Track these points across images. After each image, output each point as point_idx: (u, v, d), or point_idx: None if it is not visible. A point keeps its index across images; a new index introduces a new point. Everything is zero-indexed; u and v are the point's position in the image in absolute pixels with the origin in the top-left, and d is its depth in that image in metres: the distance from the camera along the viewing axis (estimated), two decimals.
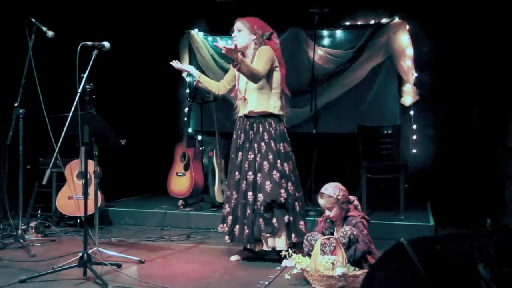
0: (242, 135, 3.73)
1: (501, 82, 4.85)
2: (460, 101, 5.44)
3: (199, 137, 6.40)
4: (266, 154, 3.63)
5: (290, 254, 3.37)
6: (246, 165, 3.67)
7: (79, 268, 3.21)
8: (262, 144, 3.65)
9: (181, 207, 5.33)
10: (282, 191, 3.58)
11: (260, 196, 3.58)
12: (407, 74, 5.56)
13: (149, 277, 3.24)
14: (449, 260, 1.50)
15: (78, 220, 4.84)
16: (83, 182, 3.38)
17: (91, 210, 3.69)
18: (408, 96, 5.57)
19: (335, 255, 3.18)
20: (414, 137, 5.63)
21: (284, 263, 3.57)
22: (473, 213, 5.01)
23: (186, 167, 5.45)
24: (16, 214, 4.35)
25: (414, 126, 5.63)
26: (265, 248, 3.64)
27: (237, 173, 3.70)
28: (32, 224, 4.49)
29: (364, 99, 5.81)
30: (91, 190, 3.99)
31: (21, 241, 4.12)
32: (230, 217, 3.70)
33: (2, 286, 3.06)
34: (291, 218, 3.61)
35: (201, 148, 6.04)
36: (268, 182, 3.58)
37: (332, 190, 3.40)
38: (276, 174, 3.60)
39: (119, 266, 3.48)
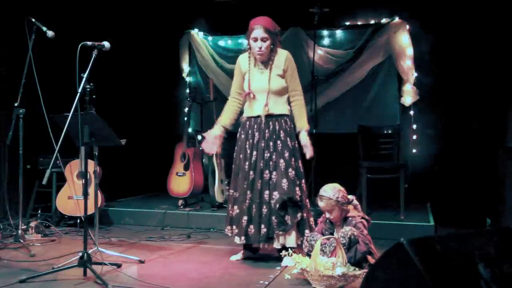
0: (257, 134, 3.69)
1: (500, 82, 4.85)
2: (459, 101, 5.44)
3: (199, 137, 6.40)
4: (282, 152, 3.63)
5: (290, 254, 3.37)
6: (262, 164, 3.63)
7: (79, 268, 3.21)
8: (278, 142, 3.65)
9: (181, 207, 5.33)
10: (297, 189, 3.60)
11: (276, 194, 3.57)
12: (407, 74, 5.57)
13: (149, 277, 3.24)
14: (449, 260, 1.50)
15: (78, 220, 4.84)
16: (83, 182, 3.38)
17: (91, 210, 3.69)
18: (408, 96, 5.58)
19: (335, 255, 3.18)
20: (414, 137, 5.64)
21: (284, 263, 3.57)
22: (473, 213, 5.01)
23: (186, 167, 5.45)
24: (16, 214, 4.34)
25: (414, 126, 5.64)
26: (275, 245, 3.60)
27: (251, 172, 3.65)
28: (32, 224, 4.49)
29: (364, 99, 5.82)
30: (91, 190, 3.99)
31: (21, 241, 4.12)
32: (245, 218, 3.63)
33: (2, 286, 3.05)
34: (304, 215, 3.62)
35: (201, 148, 6.04)
36: (284, 180, 3.57)
37: (331, 192, 3.40)
38: (291, 172, 3.60)
39: (119, 266, 3.48)
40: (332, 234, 3.47)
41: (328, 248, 3.32)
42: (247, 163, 3.69)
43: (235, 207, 3.71)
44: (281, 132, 3.67)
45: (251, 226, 3.63)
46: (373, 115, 5.75)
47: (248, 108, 3.78)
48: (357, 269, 3.06)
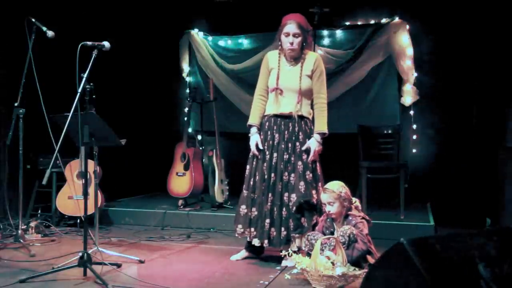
0: (277, 135, 3.65)
1: (500, 82, 4.85)
2: (459, 101, 5.44)
3: (199, 137, 6.40)
4: (301, 153, 3.61)
5: (290, 254, 3.37)
6: (282, 166, 3.61)
7: (79, 268, 3.21)
8: (297, 144, 3.62)
9: (181, 207, 5.33)
10: (314, 192, 3.58)
11: (293, 197, 3.55)
12: (407, 74, 5.57)
13: (149, 277, 3.24)
14: (449, 260, 1.50)
15: (78, 220, 4.84)
16: (83, 182, 3.38)
17: (91, 210, 3.69)
18: (408, 96, 5.58)
19: (334, 253, 3.18)
20: (414, 137, 5.64)
21: (284, 263, 3.56)
22: (473, 213, 5.01)
23: (186, 167, 5.45)
24: (16, 214, 4.35)
25: (414, 126, 5.64)
26: (291, 248, 3.57)
27: (272, 174, 3.61)
28: (32, 224, 4.49)
29: (364, 99, 5.81)
30: (91, 190, 4.00)
31: (21, 241, 4.12)
32: (267, 221, 3.59)
33: (2, 286, 3.06)
34: (318, 218, 3.61)
35: (201, 148, 6.04)
36: (302, 183, 3.55)
37: (335, 186, 3.45)
38: (309, 175, 3.59)
39: (119, 266, 3.48)
40: (332, 232, 3.48)
41: (327, 247, 3.32)
42: (265, 164, 3.65)
43: (253, 208, 3.66)
44: (300, 133, 3.64)
45: (272, 229, 3.60)
46: (373, 115, 5.74)
47: (274, 105, 3.69)
48: (357, 269, 3.06)
